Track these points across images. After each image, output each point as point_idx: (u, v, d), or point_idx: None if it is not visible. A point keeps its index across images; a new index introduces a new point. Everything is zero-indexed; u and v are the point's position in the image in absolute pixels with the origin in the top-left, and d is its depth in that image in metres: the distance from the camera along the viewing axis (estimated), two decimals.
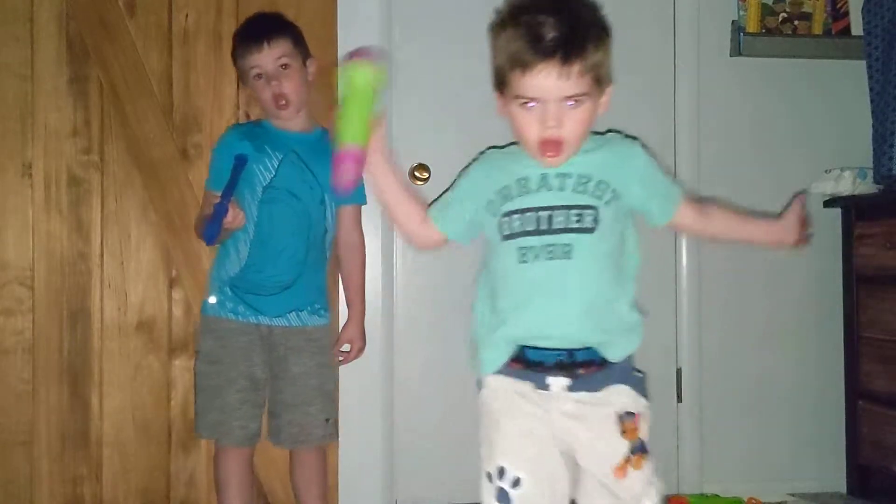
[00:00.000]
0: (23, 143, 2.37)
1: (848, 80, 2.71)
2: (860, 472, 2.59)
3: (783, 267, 2.75)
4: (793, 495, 2.64)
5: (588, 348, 1.43)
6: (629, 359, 1.49)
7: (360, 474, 2.45)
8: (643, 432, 1.46)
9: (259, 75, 2.05)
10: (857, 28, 2.72)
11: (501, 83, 1.43)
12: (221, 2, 2.44)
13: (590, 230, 1.42)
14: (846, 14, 2.76)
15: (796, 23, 2.74)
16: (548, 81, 1.36)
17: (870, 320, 2.54)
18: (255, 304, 2.07)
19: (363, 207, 2.25)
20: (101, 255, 2.40)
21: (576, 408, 1.44)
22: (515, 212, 1.45)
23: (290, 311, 2.09)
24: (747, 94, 2.74)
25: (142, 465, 2.41)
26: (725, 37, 2.72)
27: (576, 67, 1.35)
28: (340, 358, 2.21)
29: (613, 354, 1.45)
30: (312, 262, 2.13)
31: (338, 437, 2.18)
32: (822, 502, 2.57)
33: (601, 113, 1.45)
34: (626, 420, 1.45)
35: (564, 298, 1.42)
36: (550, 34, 1.35)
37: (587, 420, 1.45)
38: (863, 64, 2.62)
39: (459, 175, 1.59)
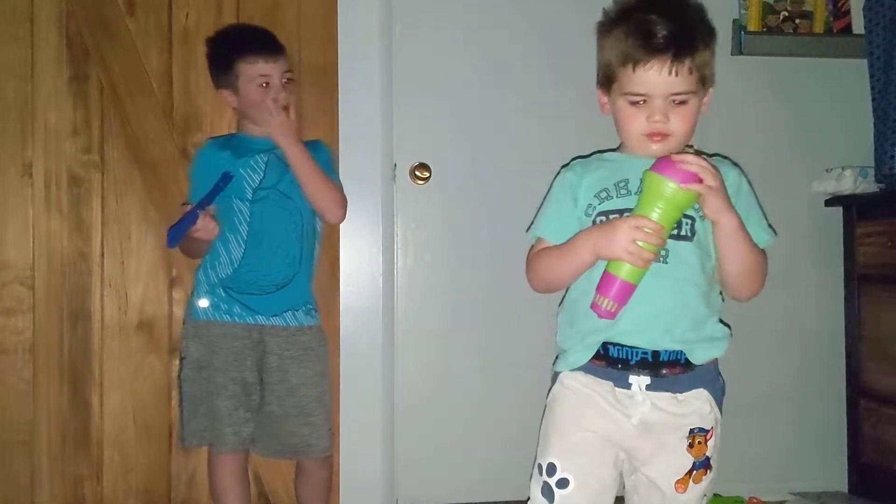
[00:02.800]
0: (23, 143, 2.37)
1: (849, 78, 2.71)
2: (861, 471, 2.59)
3: (784, 266, 2.74)
4: (794, 494, 2.64)
5: (674, 349, 1.43)
6: (713, 363, 1.50)
7: (361, 474, 2.45)
8: (710, 448, 1.46)
9: (266, 84, 2.05)
10: (858, 26, 2.71)
11: (609, 80, 1.47)
12: (222, 1, 2.43)
13: (688, 238, 1.43)
14: (847, 12, 2.75)
15: (797, 21, 2.73)
16: (658, 77, 1.40)
17: (871, 319, 2.54)
18: (251, 304, 2.06)
19: (363, 206, 2.24)
20: (102, 255, 2.40)
21: (652, 411, 1.43)
22: (613, 212, 1.45)
23: (286, 311, 2.08)
24: (748, 93, 2.73)
25: (142, 465, 2.41)
26: (726, 35, 2.71)
27: (686, 64, 1.41)
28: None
29: (697, 358, 1.45)
30: (306, 262, 2.12)
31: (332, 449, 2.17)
32: (823, 501, 2.57)
33: (703, 113, 1.49)
34: (697, 435, 1.45)
35: (655, 301, 1.42)
36: (662, 31, 1.40)
37: (659, 428, 1.44)
38: (864, 62, 2.61)
39: (550, 190, 1.58)
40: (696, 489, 1.46)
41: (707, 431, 1.45)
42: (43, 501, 2.37)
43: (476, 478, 2.63)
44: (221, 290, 2.07)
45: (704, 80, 1.46)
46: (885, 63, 2.54)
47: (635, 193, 1.43)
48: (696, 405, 1.45)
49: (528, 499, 1.52)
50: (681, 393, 1.44)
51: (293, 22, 2.45)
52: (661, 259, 1.41)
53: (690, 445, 1.44)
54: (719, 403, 1.49)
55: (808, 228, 2.74)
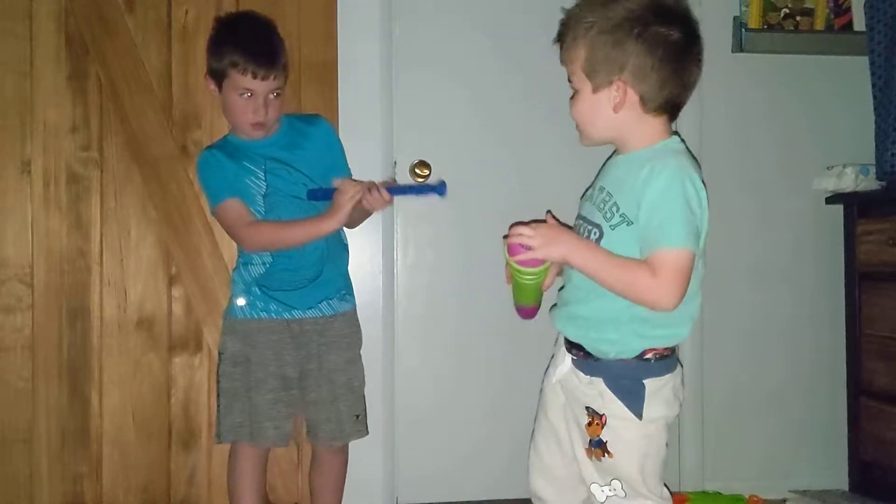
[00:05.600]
0: (22, 140, 2.37)
1: (850, 76, 2.70)
2: (862, 469, 2.58)
3: (785, 264, 2.74)
4: (795, 492, 2.63)
5: (575, 340, 1.59)
6: (626, 363, 1.53)
7: (361, 473, 2.44)
8: (606, 434, 1.54)
9: (247, 95, 1.99)
10: (859, 24, 2.70)
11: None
12: None
13: None
14: (848, 10, 2.75)
15: (798, 18, 2.73)
16: None
17: (872, 317, 2.53)
18: (285, 300, 2.06)
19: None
20: (101, 253, 2.39)
21: (566, 377, 1.60)
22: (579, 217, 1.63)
23: (321, 301, 2.08)
24: (749, 91, 2.73)
25: (142, 463, 2.41)
26: (727, 33, 2.70)
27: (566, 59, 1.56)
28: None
29: (596, 351, 1.55)
30: (334, 251, 2.12)
31: (367, 431, 2.16)
32: (823, 499, 2.56)
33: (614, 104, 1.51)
34: (593, 415, 1.55)
35: (565, 297, 1.62)
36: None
37: (568, 393, 1.61)
38: (865, 60, 2.61)
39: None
40: (599, 467, 1.55)
41: (601, 416, 1.54)
42: (42, 499, 2.36)
43: (477, 476, 2.62)
44: (256, 289, 2.07)
45: (591, 75, 1.50)
46: (886, 60, 2.54)
47: (587, 198, 1.61)
48: (595, 389, 1.55)
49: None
50: (588, 376, 1.56)
51: (293, 18, 2.44)
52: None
53: (589, 424, 1.56)
54: (630, 404, 1.53)
55: (809, 226, 2.74)
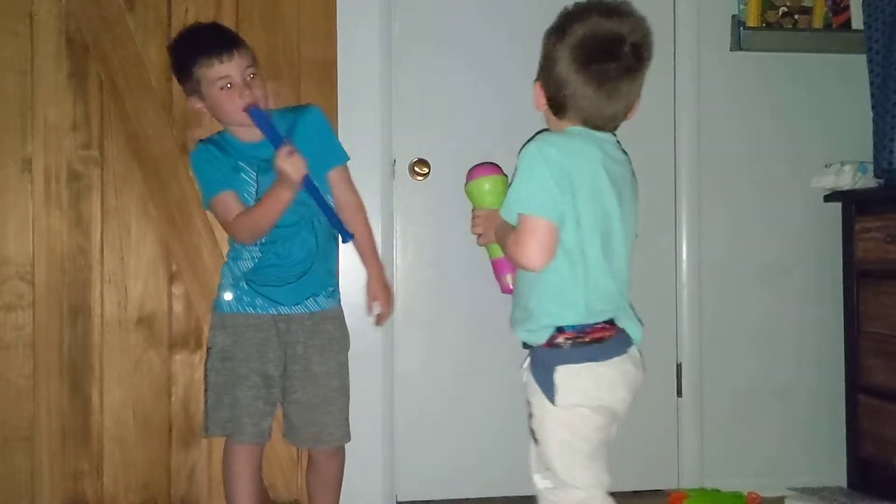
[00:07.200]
0: (22, 139, 2.37)
1: (849, 73, 2.71)
2: (860, 466, 2.59)
3: (783, 261, 2.75)
4: (793, 489, 2.64)
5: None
6: (543, 351, 1.61)
7: (360, 470, 2.44)
8: (533, 422, 1.63)
9: (227, 86, 1.97)
10: (857, 22, 2.71)
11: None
12: None
13: None
14: (847, 8, 2.76)
15: (797, 17, 2.73)
16: None
17: (870, 314, 2.54)
18: (272, 295, 2.05)
19: (364, 200, 2.24)
20: (102, 251, 2.40)
21: (523, 371, 1.69)
22: None
23: (307, 298, 2.07)
24: (747, 89, 2.74)
25: (142, 461, 2.41)
26: (725, 31, 2.71)
27: None
28: (377, 313, 2.16)
29: (524, 338, 1.66)
30: (323, 247, 2.11)
31: (350, 437, 2.14)
32: (822, 496, 2.57)
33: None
34: (529, 406, 1.65)
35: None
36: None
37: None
38: (863, 58, 2.62)
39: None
40: (538, 456, 1.64)
41: (530, 404, 1.63)
42: (43, 497, 2.37)
43: (476, 473, 2.63)
44: (244, 283, 2.08)
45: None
46: (884, 58, 2.55)
47: None
48: (527, 379, 1.66)
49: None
50: (525, 366, 1.67)
51: (293, 17, 2.45)
52: None
53: (529, 415, 1.64)
54: (541, 387, 1.60)
55: (807, 224, 2.75)
